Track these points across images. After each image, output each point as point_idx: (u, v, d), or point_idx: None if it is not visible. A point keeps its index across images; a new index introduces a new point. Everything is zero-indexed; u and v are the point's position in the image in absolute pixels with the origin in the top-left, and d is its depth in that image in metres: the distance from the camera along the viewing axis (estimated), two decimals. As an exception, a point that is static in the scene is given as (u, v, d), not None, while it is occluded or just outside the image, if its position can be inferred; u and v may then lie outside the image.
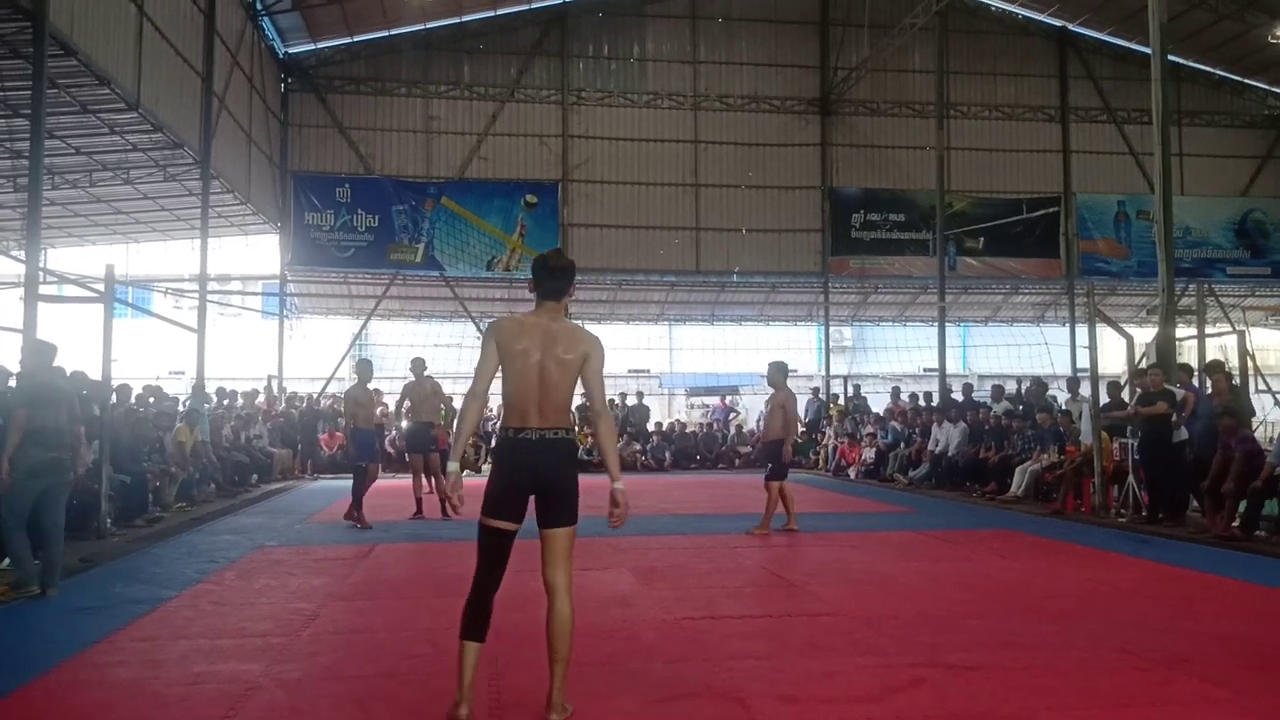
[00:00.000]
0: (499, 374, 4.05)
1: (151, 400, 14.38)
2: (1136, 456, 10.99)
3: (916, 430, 17.20)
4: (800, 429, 22.00)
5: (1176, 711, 4.18)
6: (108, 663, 5.03)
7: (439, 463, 11.62)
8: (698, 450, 21.85)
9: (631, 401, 22.50)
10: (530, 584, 7.07)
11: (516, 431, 4.01)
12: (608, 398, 4.40)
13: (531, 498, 4.03)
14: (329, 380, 22.67)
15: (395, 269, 22.83)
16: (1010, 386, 18.78)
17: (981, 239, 24.35)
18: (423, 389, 11.74)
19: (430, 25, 22.97)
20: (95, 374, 10.33)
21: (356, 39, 22.73)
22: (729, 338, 26.31)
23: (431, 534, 10.09)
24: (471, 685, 3.94)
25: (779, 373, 10.42)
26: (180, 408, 14.67)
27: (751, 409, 24.48)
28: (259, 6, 19.95)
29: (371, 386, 11.65)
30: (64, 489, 7.13)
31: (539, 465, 4.00)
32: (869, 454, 18.24)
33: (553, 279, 4.16)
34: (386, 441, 17.84)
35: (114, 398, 11.00)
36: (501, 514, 4.00)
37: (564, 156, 23.40)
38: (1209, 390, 10.82)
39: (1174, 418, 10.40)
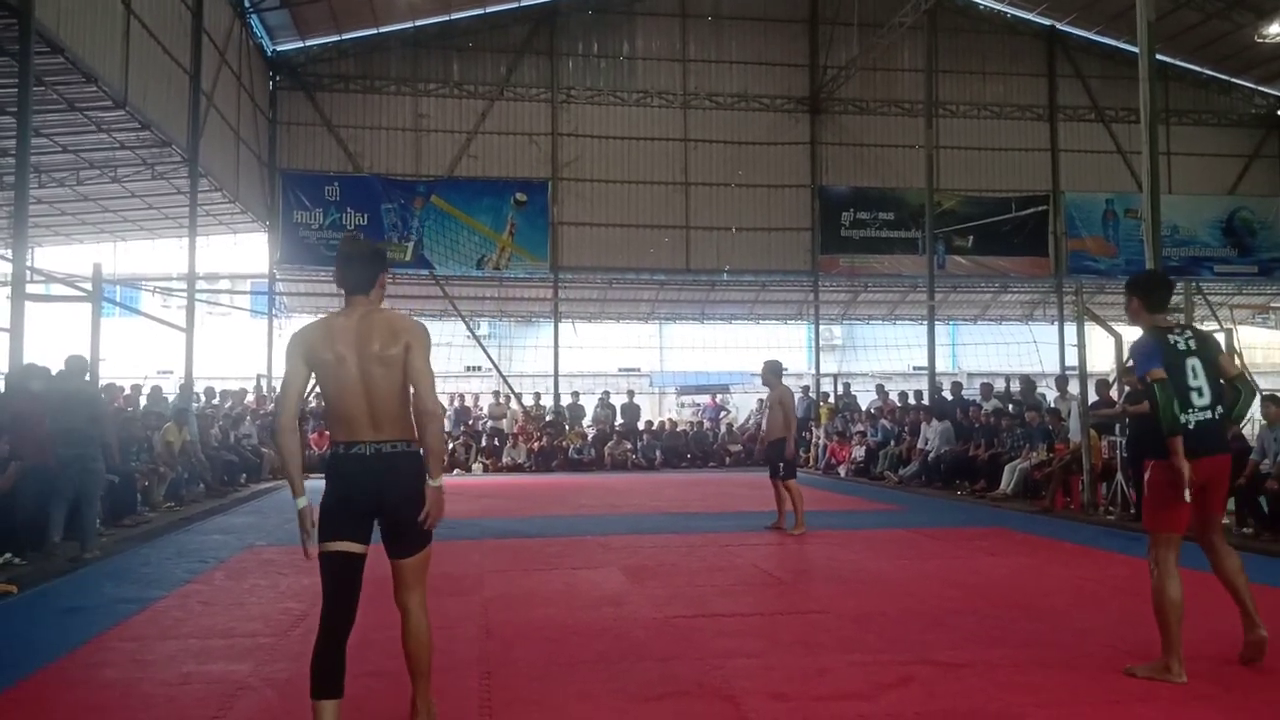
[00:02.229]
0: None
1: (143, 398, 14.37)
2: (1125, 454, 11.04)
3: (906, 428, 17.25)
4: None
5: (1165, 708, 4.20)
6: (96, 663, 5.01)
7: None
8: (688, 449, 21.86)
9: (622, 400, 22.50)
10: (519, 583, 7.11)
11: (347, 447, 3.50)
12: (596, 396, 4.32)
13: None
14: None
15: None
16: (999, 384, 18.85)
17: (970, 237, 24.42)
18: None
19: (419, 23, 22.91)
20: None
21: (345, 37, 22.64)
22: (719, 336, 26.33)
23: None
24: None
25: (772, 373, 10.46)
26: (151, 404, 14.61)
27: (742, 407, 24.53)
28: (247, 4, 19.86)
29: None
30: (95, 478, 8.56)
31: (378, 486, 3.50)
32: (859, 452, 18.27)
33: (352, 268, 3.69)
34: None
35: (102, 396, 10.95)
36: (340, 534, 3.46)
37: (553, 155, 23.37)
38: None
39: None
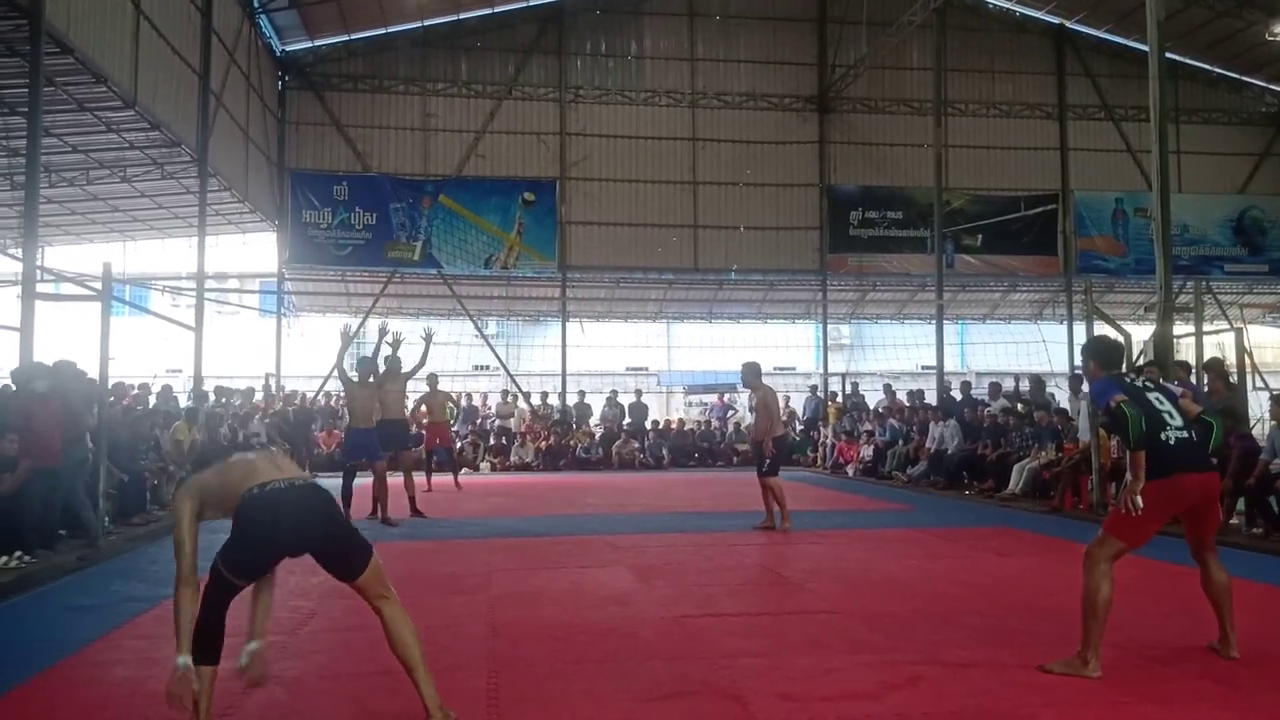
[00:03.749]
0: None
1: (153, 397, 14.41)
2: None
3: (914, 428, 17.22)
4: (798, 425, 22.07)
5: (1174, 708, 4.18)
6: (105, 661, 5.03)
7: (409, 460, 11.96)
8: (696, 448, 21.86)
9: (629, 399, 22.50)
10: (529, 581, 7.11)
11: (262, 486, 3.71)
12: (604, 395, 4.39)
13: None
14: (326, 378, 22.65)
15: (393, 267, 22.83)
16: (1008, 384, 18.80)
17: (979, 236, 24.35)
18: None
19: (427, 22, 22.94)
20: (93, 372, 10.32)
21: (354, 36, 22.69)
22: (727, 335, 26.31)
23: (425, 532, 10.10)
24: (209, 711, 3.75)
25: (751, 374, 10.57)
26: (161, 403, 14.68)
27: (749, 406, 24.49)
28: (256, 4, 19.90)
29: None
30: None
31: (298, 520, 3.71)
32: (867, 451, 18.24)
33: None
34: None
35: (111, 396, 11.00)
36: (246, 576, 3.77)
37: (562, 154, 23.39)
38: (1206, 388, 10.82)
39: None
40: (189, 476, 4.01)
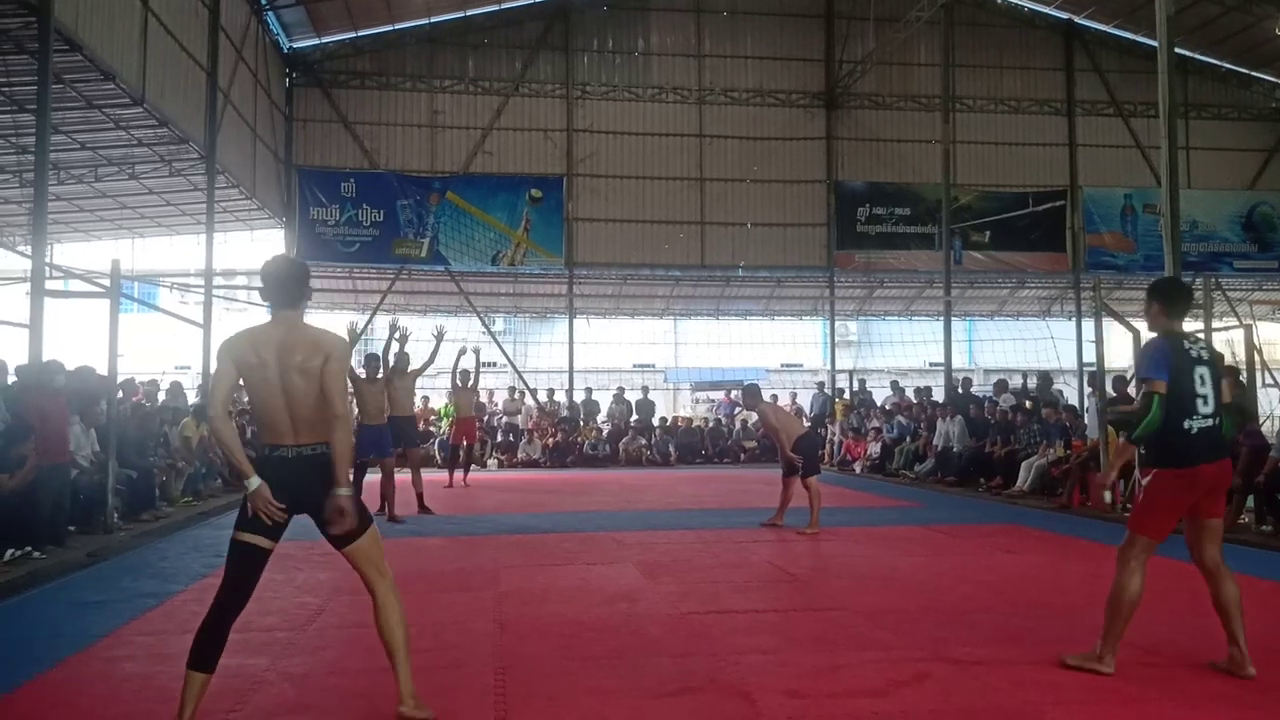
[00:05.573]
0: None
1: (163, 394, 14.46)
2: (1143, 451, 10.93)
3: (922, 424, 17.20)
4: (805, 423, 22.00)
5: (1183, 706, 4.17)
6: (115, 656, 5.05)
7: (417, 457, 11.99)
8: (703, 445, 21.85)
9: (636, 396, 22.50)
10: (534, 579, 7.12)
11: (272, 449, 3.80)
12: (611, 391, 4.34)
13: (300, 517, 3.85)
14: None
15: (400, 264, 22.85)
16: (1015, 381, 18.74)
17: (987, 233, 24.29)
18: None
19: (435, 19, 22.94)
20: (102, 369, 10.36)
21: (361, 33, 22.70)
22: (734, 332, 26.29)
23: (432, 529, 10.11)
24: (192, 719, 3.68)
25: (750, 395, 10.69)
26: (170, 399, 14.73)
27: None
28: (263, 1, 19.93)
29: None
30: None
31: (302, 486, 3.76)
32: (874, 448, 18.22)
33: (280, 288, 3.89)
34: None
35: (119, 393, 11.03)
36: (257, 528, 3.74)
37: (569, 151, 23.38)
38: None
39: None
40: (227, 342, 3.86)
